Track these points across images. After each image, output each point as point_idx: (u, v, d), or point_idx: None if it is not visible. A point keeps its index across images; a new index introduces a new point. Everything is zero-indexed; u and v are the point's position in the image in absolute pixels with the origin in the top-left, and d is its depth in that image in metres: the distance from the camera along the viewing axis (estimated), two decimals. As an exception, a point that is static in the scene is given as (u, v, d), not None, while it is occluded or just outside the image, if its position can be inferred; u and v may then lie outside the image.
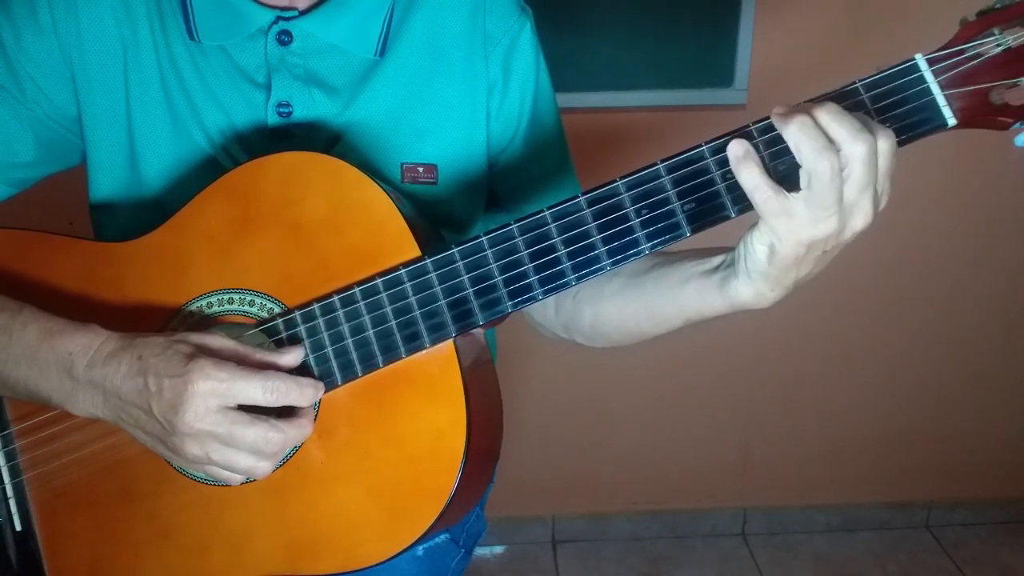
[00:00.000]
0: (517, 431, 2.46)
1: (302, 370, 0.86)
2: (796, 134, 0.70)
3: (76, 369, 0.83)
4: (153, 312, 0.90)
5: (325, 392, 0.85)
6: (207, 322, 0.89)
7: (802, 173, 0.71)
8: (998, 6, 0.73)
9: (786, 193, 0.72)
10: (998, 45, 0.72)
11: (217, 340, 0.83)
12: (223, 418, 0.79)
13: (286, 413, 0.83)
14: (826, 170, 0.69)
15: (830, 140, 0.70)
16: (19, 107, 0.95)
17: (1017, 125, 0.74)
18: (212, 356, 0.81)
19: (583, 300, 0.97)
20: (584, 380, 2.45)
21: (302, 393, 0.82)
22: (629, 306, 0.93)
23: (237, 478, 0.84)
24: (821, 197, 0.70)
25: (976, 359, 2.53)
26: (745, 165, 0.73)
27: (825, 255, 0.75)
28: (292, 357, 0.85)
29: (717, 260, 0.83)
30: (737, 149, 0.73)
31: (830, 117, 0.70)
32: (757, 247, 0.75)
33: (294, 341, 0.86)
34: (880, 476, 2.65)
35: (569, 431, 2.55)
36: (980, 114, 0.74)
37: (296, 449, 0.86)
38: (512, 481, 2.09)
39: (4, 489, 0.94)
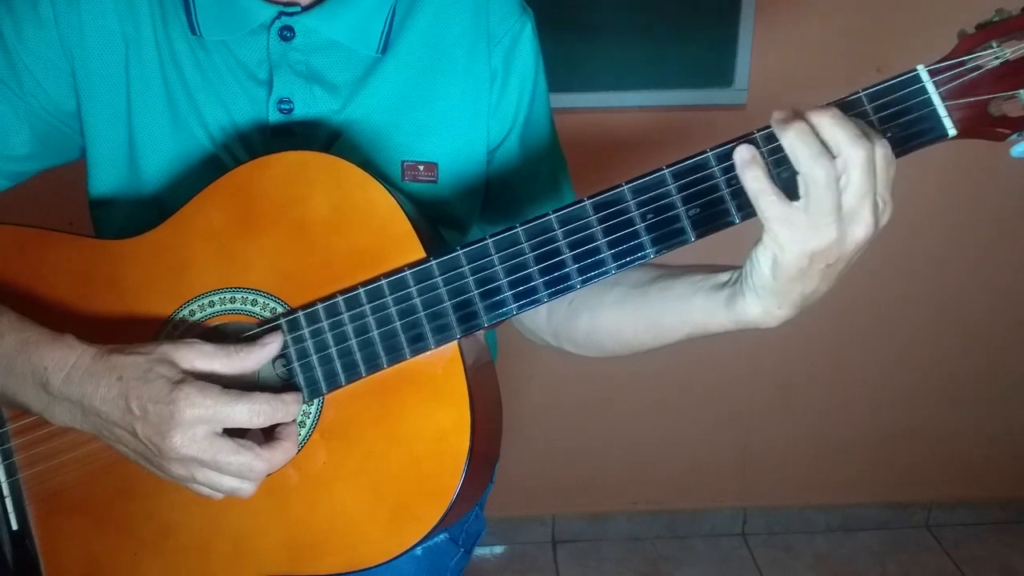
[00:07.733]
0: (517, 431, 2.46)
1: (265, 386, 0.86)
2: (792, 139, 0.72)
3: (51, 384, 0.83)
4: (153, 311, 0.90)
5: (328, 392, 0.86)
6: (200, 326, 0.89)
7: (800, 179, 0.72)
8: (996, 19, 0.74)
9: (788, 200, 0.73)
10: (996, 58, 0.73)
11: (198, 355, 0.83)
12: (209, 445, 0.80)
13: (271, 427, 0.84)
14: (821, 176, 0.71)
15: (827, 146, 0.71)
16: (16, 100, 0.95)
17: (1014, 136, 0.75)
18: (196, 379, 0.81)
19: (580, 307, 0.97)
20: (584, 380, 2.45)
21: (287, 411, 0.83)
22: (629, 316, 0.93)
23: (220, 495, 0.84)
24: (819, 203, 0.71)
25: (976, 359, 2.53)
26: (750, 169, 0.74)
27: (830, 269, 0.76)
28: (272, 347, 0.85)
29: (724, 277, 0.84)
30: (744, 153, 0.75)
31: (831, 121, 0.71)
32: (761, 259, 0.77)
33: (298, 342, 0.86)
34: (880, 476, 2.65)
35: (569, 431, 2.54)
36: (979, 125, 0.75)
37: (299, 448, 0.86)
38: (512, 481, 2.09)
39: (0, 488, 0.94)
